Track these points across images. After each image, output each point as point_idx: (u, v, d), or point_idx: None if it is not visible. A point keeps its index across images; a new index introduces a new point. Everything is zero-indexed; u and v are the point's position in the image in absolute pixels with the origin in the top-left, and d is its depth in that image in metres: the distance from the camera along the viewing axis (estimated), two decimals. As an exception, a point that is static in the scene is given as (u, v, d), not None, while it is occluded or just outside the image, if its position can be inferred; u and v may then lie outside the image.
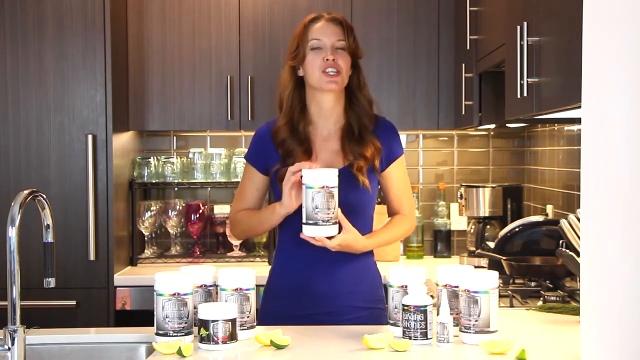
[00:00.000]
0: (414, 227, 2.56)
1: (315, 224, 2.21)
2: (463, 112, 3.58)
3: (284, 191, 2.29)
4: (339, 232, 2.27)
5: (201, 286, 2.18)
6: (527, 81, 2.30)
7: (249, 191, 2.49)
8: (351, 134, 2.44)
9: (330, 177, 2.21)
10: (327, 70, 2.38)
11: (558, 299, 2.68)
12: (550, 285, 2.87)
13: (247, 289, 2.12)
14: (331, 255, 2.35)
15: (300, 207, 2.24)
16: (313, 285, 2.39)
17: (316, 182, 2.19)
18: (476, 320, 2.02)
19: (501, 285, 2.78)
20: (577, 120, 2.86)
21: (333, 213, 2.21)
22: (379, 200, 2.53)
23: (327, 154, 2.44)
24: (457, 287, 2.09)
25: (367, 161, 2.41)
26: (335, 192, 2.21)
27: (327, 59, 2.38)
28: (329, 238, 2.25)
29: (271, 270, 2.51)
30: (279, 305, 2.43)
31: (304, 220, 2.22)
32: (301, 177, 2.23)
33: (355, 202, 2.38)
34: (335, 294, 2.39)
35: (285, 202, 2.30)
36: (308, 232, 2.23)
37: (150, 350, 2.04)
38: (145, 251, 3.96)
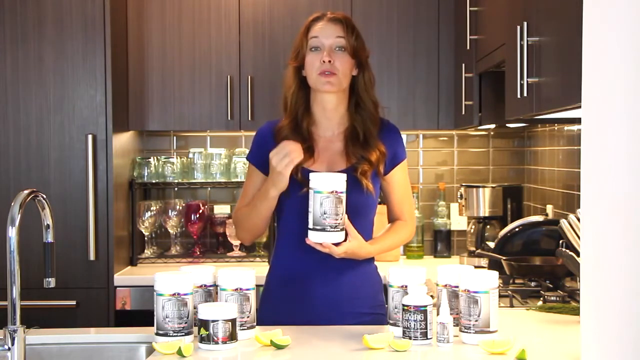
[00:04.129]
0: (414, 234, 2.55)
1: (323, 229, 2.17)
2: (463, 112, 3.58)
3: (274, 169, 2.24)
4: (345, 238, 2.25)
5: (201, 286, 2.18)
6: (527, 81, 2.30)
7: (251, 191, 2.44)
8: (356, 138, 2.40)
9: (339, 182, 2.17)
10: (323, 70, 2.34)
11: (558, 299, 2.68)
12: (550, 285, 2.87)
13: (247, 289, 2.12)
14: (332, 261, 2.32)
15: (300, 212, 2.23)
16: (313, 292, 2.35)
17: (325, 186, 2.16)
18: (476, 320, 2.02)
19: (501, 285, 2.78)
20: (577, 120, 2.86)
21: (341, 219, 2.18)
22: (379, 200, 2.52)
23: (330, 155, 2.41)
24: (457, 287, 2.09)
25: (371, 166, 2.38)
26: (344, 197, 2.18)
27: (324, 61, 2.35)
28: (336, 245, 2.23)
29: (269, 275, 2.48)
30: (277, 312, 2.39)
31: (310, 226, 2.19)
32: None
33: (358, 205, 2.34)
34: (336, 301, 2.36)
35: (275, 179, 2.24)
36: (315, 238, 2.19)
37: (150, 350, 2.04)
38: (145, 251, 3.96)
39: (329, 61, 2.34)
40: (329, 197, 2.16)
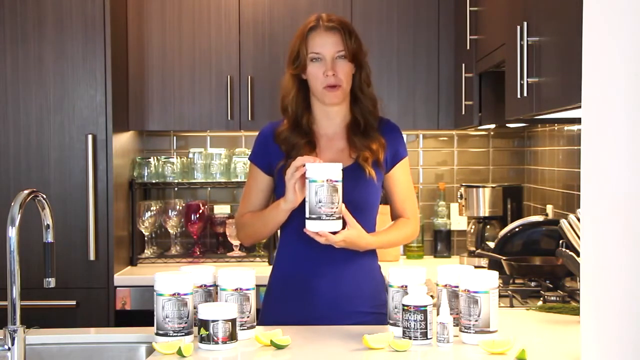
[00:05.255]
0: (417, 231, 2.54)
1: (319, 218, 2.18)
2: (463, 112, 3.58)
3: (287, 186, 2.26)
4: (343, 227, 2.25)
5: (201, 286, 2.18)
6: (527, 81, 2.30)
7: (254, 192, 2.46)
8: (356, 129, 2.43)
9: (334, 170, 2.18)
10: (329, 85, 2.36)
11: (558, 299, 2.68)
12: (550, 285, 2.87)
13: (247, 289, 2.12)
14: (335, 257, 2.34)
15: (303, 207, 2.23)
16: (316, 289, 2.36)
17: (320, 175, 2.17)
18: (476, 320, 2.02)
19: (501, 285, 2.78)
20: (577, 120, 2.86)
21: (337, 207, 2.19)
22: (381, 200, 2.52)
23: (333, 153, 2.42)
24: (457, 287, 2.09)
25: (372, 153, 2.39)
26: (339, 186, 2.19)
27: (327, 75, 2.36)
28: (333, 233, 2.23)
29: (272, 272, 2.48)
30: (280, 309, 2.40)
31: (307, 215, 2.20)
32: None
33: (360, 199, 2.36)
34: (338, 298, 2.36)
35: (289, 196, 2.26)
36: (311, 227, 2.20)
37: (150, 350, 2.04)
38: (145, 251, 3.96)
39: (333, 74, 2.36)
40: (324, 186, 2.16)
